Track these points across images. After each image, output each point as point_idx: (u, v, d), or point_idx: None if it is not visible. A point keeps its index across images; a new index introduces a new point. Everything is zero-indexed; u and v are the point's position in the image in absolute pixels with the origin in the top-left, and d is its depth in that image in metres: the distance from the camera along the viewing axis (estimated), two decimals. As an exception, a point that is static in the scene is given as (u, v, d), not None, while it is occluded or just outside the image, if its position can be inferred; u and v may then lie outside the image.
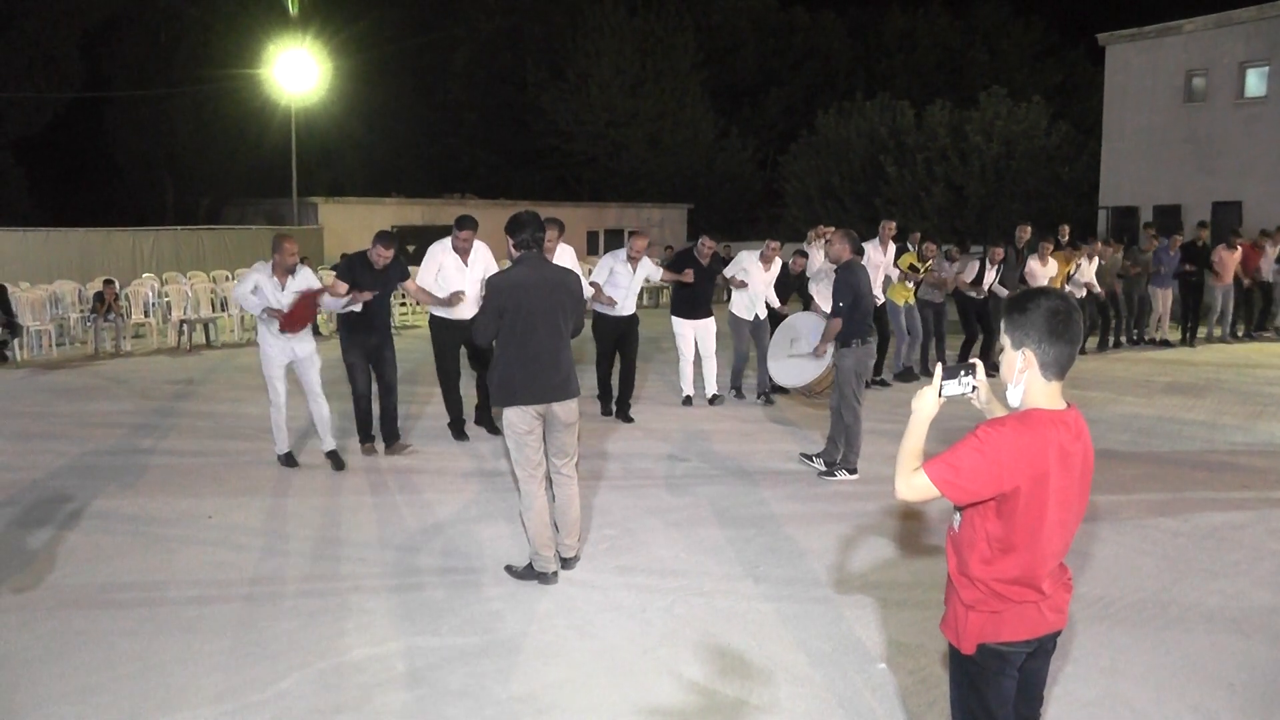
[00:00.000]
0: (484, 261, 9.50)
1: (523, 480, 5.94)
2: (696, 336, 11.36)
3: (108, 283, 17.42)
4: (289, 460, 8.74)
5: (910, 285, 12.59)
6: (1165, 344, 16.01)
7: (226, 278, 21.11)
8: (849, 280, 8.11)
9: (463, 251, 9.38)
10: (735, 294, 11.66)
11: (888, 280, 12.46)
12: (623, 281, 10.41)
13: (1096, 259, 14.72)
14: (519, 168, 44.62)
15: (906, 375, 12.82)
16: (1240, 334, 16.94)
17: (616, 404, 10.81)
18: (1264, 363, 14.48)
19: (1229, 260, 16.11)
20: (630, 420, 10.58)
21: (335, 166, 40.13)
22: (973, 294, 13.14)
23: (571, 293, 6.02)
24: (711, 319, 11.40)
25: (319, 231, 28.76)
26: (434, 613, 5.50)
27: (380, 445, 9.27)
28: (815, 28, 48.35)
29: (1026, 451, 2.78)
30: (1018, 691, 3.01)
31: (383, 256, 8.75)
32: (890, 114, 35.99)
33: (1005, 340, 2.94)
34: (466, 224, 9.35)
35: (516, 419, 5.83)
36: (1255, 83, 26.16)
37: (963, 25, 46.82)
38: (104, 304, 16.91)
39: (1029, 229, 13.79)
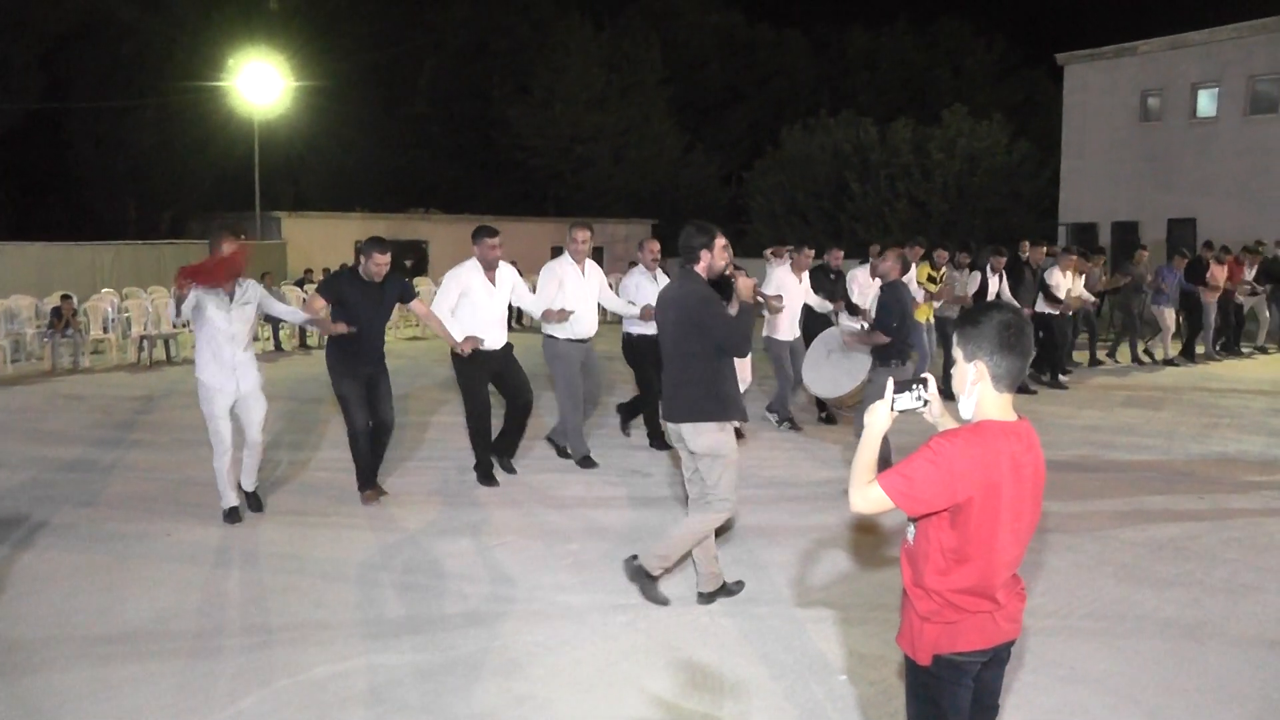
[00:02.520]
0: (510, 279, 8.47)
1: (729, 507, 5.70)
2: None
3: (65, 298, 17.21)
4: (233, 516, 7.42)
5: (934, 304, 12.27)
6: (1171, 363, 15.66)
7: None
8: (897, 299, 7.95)
9: (489, 266, 8.26)
10: (770, 316, 10.49)
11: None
12: (649, 297, 9.09)
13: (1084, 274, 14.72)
14: (484, 182, 44.62)
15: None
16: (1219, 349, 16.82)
17: (650, 432, 9.91)
18: (1220, 375, 14.65)
19: (1220, 275, 16.21)
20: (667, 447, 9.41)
21: (299, 180, 40.03)
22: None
23: (691, 310, 5.55)
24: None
25: (282, 246, 28.64)
26: (395, 630, 5.46)
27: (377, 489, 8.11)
28: (780, 45, 48.77)
29: (979, 462, 2.82)
30: (972, 701, 3.04)
31: (379, 265, 7.59)
32: (854, 131, 36.36)
33: (958, 352, 2.98)
34: (485, 233, 8.25)
35: (672, 433, 5.68)
36: (1206, 103, 26.73)
37: (925, 44, 47.37)
38: (62, 320, 16.71)
39: (1044, 249, 13.80)
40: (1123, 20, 33.90)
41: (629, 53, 43.28)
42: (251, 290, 7.40)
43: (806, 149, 36.96)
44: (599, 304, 9.08)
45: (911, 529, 3.03)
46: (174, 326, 7.64)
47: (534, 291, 8.89)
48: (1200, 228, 25.40)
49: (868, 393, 8.12)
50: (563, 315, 8.45)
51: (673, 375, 5.61)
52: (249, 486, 7.72)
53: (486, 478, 8.52)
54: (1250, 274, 17.02)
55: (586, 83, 41.84)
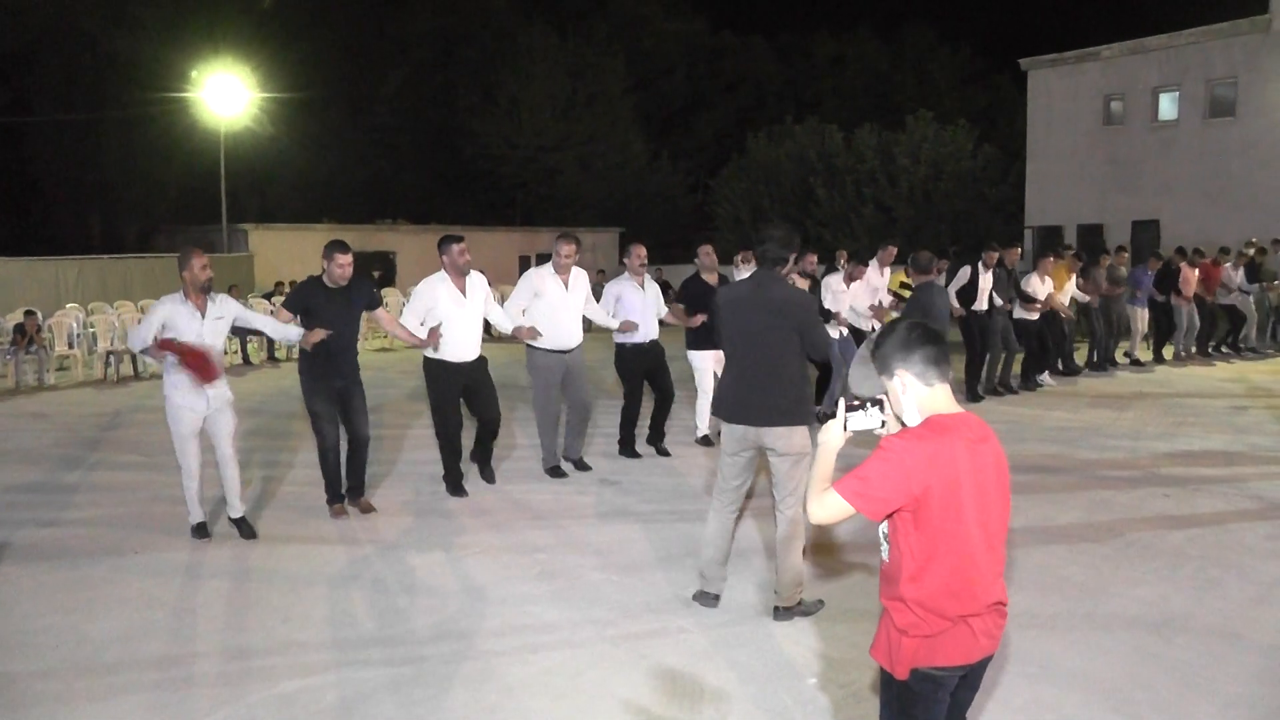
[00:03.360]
0: (482, 289, 8.23)
1: (716, 495, 5.78)
2: (717, 371, 9.84)
3: (29, 314, 17.01)
4: (201, 531, 7.26)
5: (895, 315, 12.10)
6: (1137, 363, 15.80)
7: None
8: (920, 301, 7.95)
9: (459, 272, 8.05)
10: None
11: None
12: (636, 304, 9.33)
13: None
14: (451, 192, 44.55)
15: None
16: (1194, 351, 16.84)
17: (652, 438, 9.86)
18: (1187, 375, 14.78)
19: (1191, 278, 16.31)
20: (667, 454, 9.80)
21: (266, 192, 39.79)
22: (961, 313, 12.56)
23: (783, 313, 5.52)
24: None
25: (249, 258, 28.47)
26: (364, 643, 5.42)
27: (347, 505, 7.94)
28: (745, 52, 48.98)
29: (931, 454, 2.84)
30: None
31: (343, 267, 7.40)
32: (819, 137, 36.58)
33: (884, 380, 3.03)
34: (450, 239, 8.06)
35: (728, 435, 5.60)
36: (1167, 106, 27.07)
37: (891, 50, 47.69)
38: (25, 336, 16.51)
39: (1018, 251, 13.74)
40: (1084, 26, 34.20)
41: (594, 61, 43.36)
42: (224, 305, 7.10)
43: (772, 156, 37.15)
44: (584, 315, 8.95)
45: (884, 547, 3.03)
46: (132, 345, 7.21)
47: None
48: (1163, 229, 25.69)
49: None
50: (532, 334, 8.31)
51: (758, 379, 5.46)
52: (236, 513, 7.37)
53: (456, 489, 8.38)
54: (1239, 275, 17.16)
55: (552, 91, 41.88)
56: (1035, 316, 13.49)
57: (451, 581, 6.36)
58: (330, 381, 7.51)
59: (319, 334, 7.24)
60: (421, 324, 7.96)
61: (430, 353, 8.02)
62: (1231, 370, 15.43)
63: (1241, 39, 25.29)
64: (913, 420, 2.98)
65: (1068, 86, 29.04)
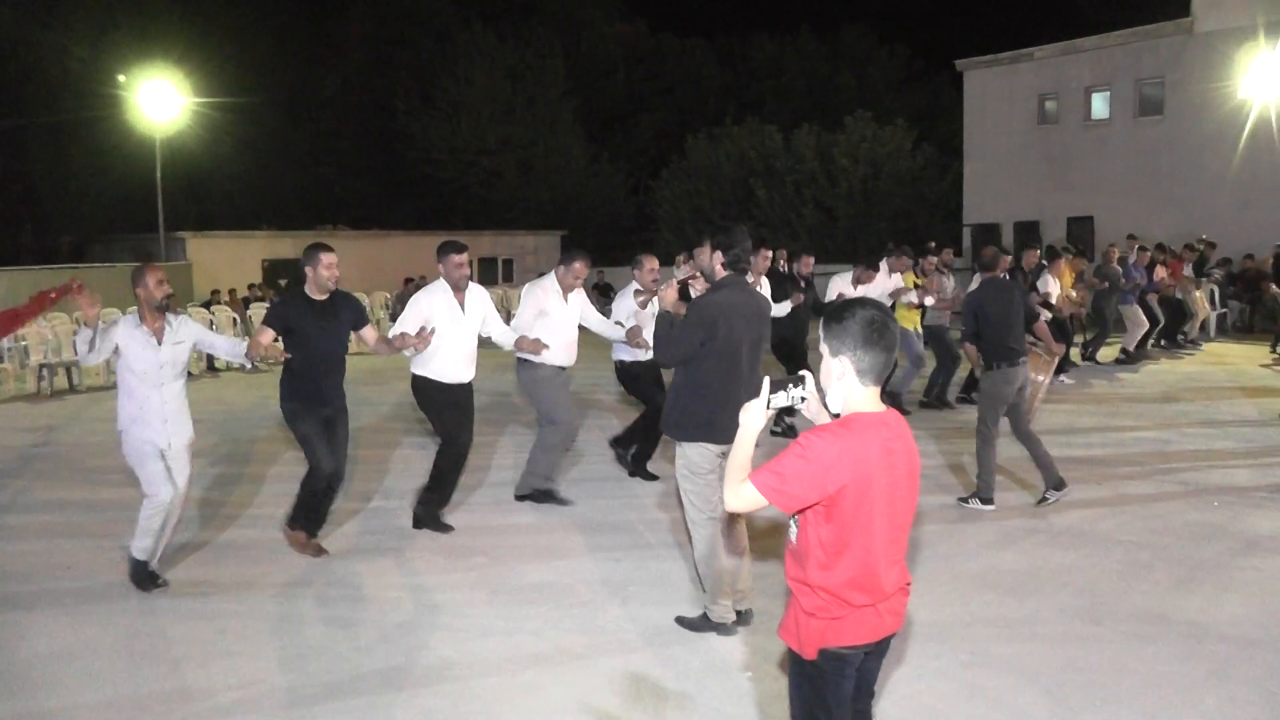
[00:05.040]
0: (483, 305, 7.52)
1: (699, 524, 5.33)
2: None
3: (-42, 325, 16.58)
4: (145, 577, 6.30)
5: (926, 298, 11.86)
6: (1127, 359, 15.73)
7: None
8: (971, 304, 7.85)
9: (458, 288, 7.32)
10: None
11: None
12: (649, 319, 7.81)
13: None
14: (392, 197, 44.20)
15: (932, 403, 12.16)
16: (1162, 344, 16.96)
17: (636, 459, 9.02)
18: (1124, 369, 15.03)
19: (1164, 275, 16.47)
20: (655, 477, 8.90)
21: (203, 199, 39.22)
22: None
23: (769, 324, 5.54)
24: None
25: (188, 267, 28.10)
26: (304, 652, 5.35)
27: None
28: (685, 54, 49.05)
29: (848, 453, 2.87)
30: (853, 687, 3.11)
31: (330, 268, 6.62)
32: (759, 138, 36.70)
33: (824, 349, 3.04)
34: (450, 248, 7.35)
35: (699, 457, 5.23)
36: (1100, 106, 27.57)
37: (829, 52, 47.94)
38: (-46, 347, 16.15)
39: (1036, 253, 13.57)
40: (1019, 28, 34.65)
41: (533, 63, 43.26)
42: (184, 328, 6.33)
43: (712, 157, 37.27)
44: (580, 327, 8.17)
45: (794, 529, 3.06)
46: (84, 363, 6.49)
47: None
48: (1098, 225, 26.13)
49: (980, 401, 8.01)
50: (536, 346, 7.43)
51: (750, 391, 5.35)
52: (153, 562, 6.41)
53: (437, 522, 7.54)
54: (1187, 269, 17.44)
55: (491, 94, 41.73)
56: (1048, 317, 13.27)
57: (392, 590, 6.35)
58: (321, 406, 6.69)
59: (276, 349, 6.48)
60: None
61: (420, 370, 7.31)
62: (1178, 365, 15.71)
63: (1167, 40, 25.81)
64: (834, 404, 3.04)
65: (1003, 87, 29.44)
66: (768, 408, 3.04)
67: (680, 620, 5.55)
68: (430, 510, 7.54)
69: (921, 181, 34.13)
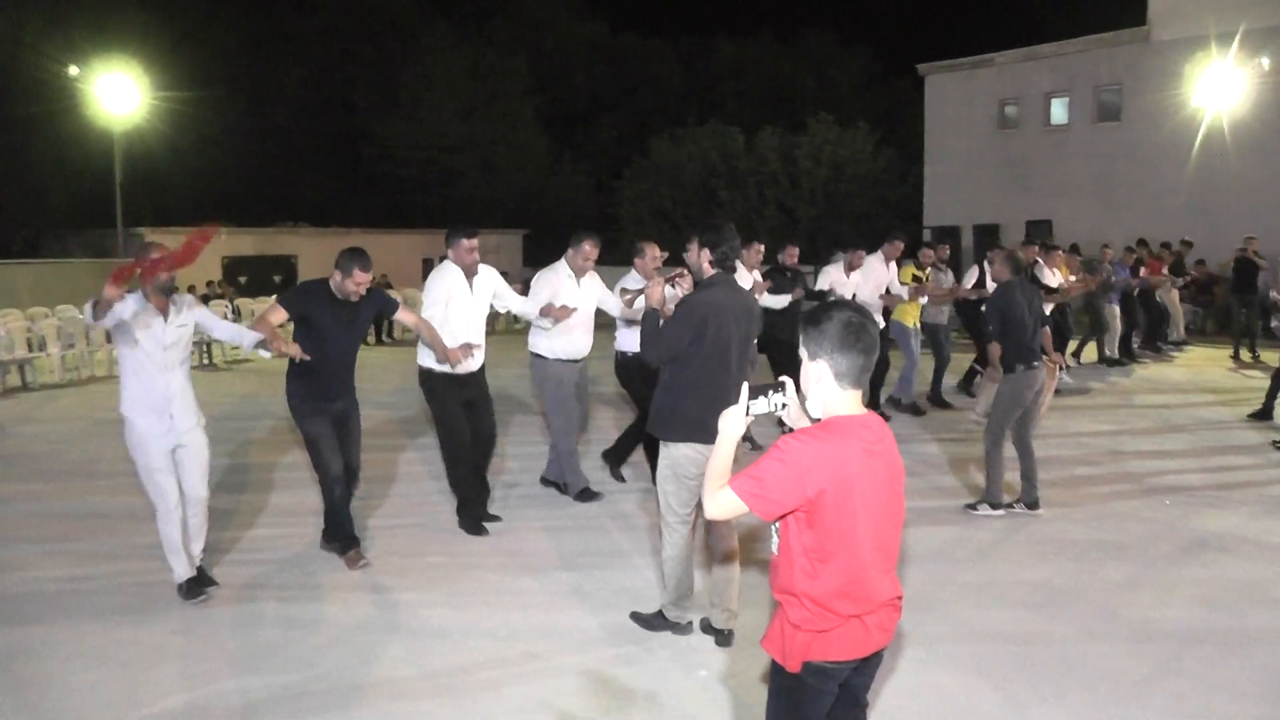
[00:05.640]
0: (491, 287, 7.37)
1: (672, 526, 5.26)
2: None
3: (-92, 319, 16.31)
4: (193, 590, 6.00)
5: (921, 299, 11.63)
6: (1117, 363, 15.74)
7: (45, 315, 19.15)
8: (998, 303, 7.74)
9: (469, 270, 7.19)
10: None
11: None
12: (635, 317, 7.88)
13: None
14: (353, 194, 43.99)
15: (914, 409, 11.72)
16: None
17: (616, 459, 8.80)
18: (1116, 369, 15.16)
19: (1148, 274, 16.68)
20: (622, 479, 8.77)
21: (162, 194, 38.73)
22: (973, 297, 12.15)
23: (757, 323, 5.48)
24: None
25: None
26: (258, 652, 5.27)
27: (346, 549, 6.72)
28: (647, 55, 49.15)
29: (827, 456, 2.83)
30: (842, 697, 3.07)
31: (360, 285, 6.34)
32: (721, 139, 36.78)
33: (803, 352, 3.00)
34: (461, 232, 7.14)
35: (686, 458, 5.13)
36: (1059, 111, 27.90)
37: (791, 54, 48.21)
38: (-96, 341, 15.85)
39: (1035, 248, 13.52)
40: (979, 33, 35.01)
41: (495, 62, 43.18)
42: (189, 310, 6.03)
43: (674, 158, 37.32)
44: (599, 309, 7.96)
45: (775, 538, 3.02)
46: (91, 326, 5.94)
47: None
48: (1057, 228, 26.34)
49: (995, 401, 7.91)
50: (564, 312, 7.26)
51: (738, 391, 5.26)
52: (193, 561, 6.13)
53: (475, 525, 7.33)
54: (1165, 269, 17.64)
55: (453, 92, 41.61)
56: (1050, 308, 13.02)
57: (347, 590, 6.29)
58: (328, 403, 6.49)
59: (294, 349, 6.13)
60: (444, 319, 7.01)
61: (428, 363, 7.11)
62: (1159, 366, 15.89)
63: (1124, 48, 26.13)
64: (814, 408, 3.00)
65: (964, 91, 29.68)
66: (747, 414, 3.01)
67: (635, 616, 5.52)
68: (467, 513, 7.39)
69: (883, 184, 34.34)
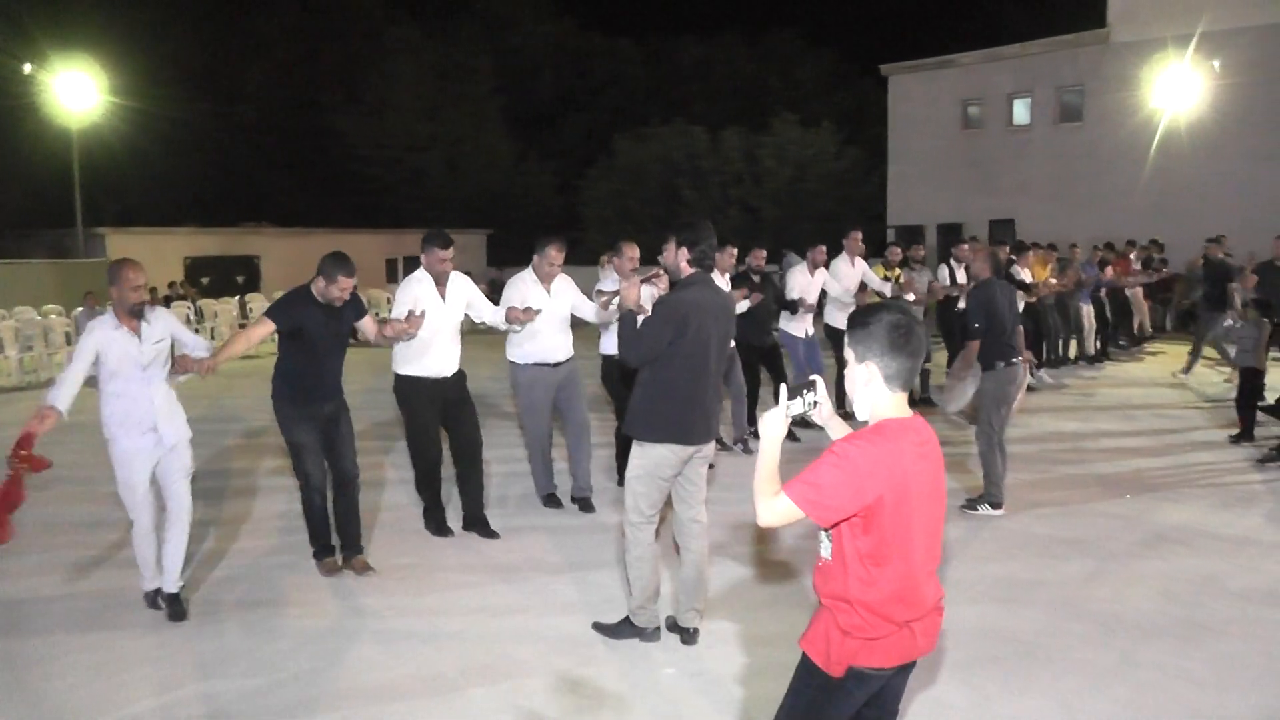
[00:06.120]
0: (465, 294, 7.23)
1: (638, 526, 5.16)
2: None
3: None
4: (166, 602, 5.89)
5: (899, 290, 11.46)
6: (1093, 361, 15.72)
7: (3, 317, 18.84)
8: (982, 299, 7.71)
9: (440, 279, 7.07)
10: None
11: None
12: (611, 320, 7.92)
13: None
14: (317, 194, 43.68)
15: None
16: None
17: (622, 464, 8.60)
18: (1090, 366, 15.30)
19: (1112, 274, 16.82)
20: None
21: (124, 194, 38.31)
22: (955, 294, 12.12)
23: (734, 323, 5.42)
24: None
25: (107, 265, 27.36)
26: (225, 657, 5.26)
27: (339, 557, 6.65)
28: (613, 54, 49.14)
29: (884, 461, 2.79)
30: (877, 699, 3.03)
31: (344, 290, 6.24)
32: (686, 139, 36.91)
33: (850, 354, 2.96)
34: (437, 241, 7.00)
35: (662, 459, 5.07)
36: (1021, 112, 28.20)
37: (756, 54, 48.31)
38: None
39: (1005, 249, 13.39)
40: (943, 34, 35.28)
41: (461, 61, 43.07)
42: (161, 322, 5.83)
43: (639, 157, 37.43)
44: (575, 318, 7.90)
45: (826, 545, 2.95)
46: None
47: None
48: (1019, 227, 26.59)
49: (981, 402, 7.81)
50: (528, 315, 7.13)
51: (713, 393, 5.20)
52: (171, 586, 5.87)
53: (439, 528, 7.35)
54: (1136, 265, 17.86)
55: (418, 92, 41.48)
56: (1022, 306, 12.82)
57: (310, 593, 6.31)
58: (318, 406, 6.34)
59: (206, 365, 5.88)
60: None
61: (402, 369, 7.04)
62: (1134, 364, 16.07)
63: (1085, 49, 26.42)
64: (862, 411, 2.96)
65: (927, 92, 29.91)
66: (786, 415, 2.97)
67: (598, 627, 5.43)
68: (433, 516, 7.40)
69: (847, 183, 34.59)
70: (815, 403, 3.02)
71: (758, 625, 5.51)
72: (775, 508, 2.82)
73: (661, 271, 5.37)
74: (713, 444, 5.26)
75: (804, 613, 5.54)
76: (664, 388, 5.02)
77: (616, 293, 4.94)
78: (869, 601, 2.84)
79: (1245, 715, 4.47)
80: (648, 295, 5.36)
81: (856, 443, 2.82)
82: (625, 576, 5.44)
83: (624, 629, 5.30)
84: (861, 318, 2.95)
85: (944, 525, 3.04)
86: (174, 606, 5.81)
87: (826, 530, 2.92)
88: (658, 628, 5.28)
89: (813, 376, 3.08)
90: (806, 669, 3.01)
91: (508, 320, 7.18)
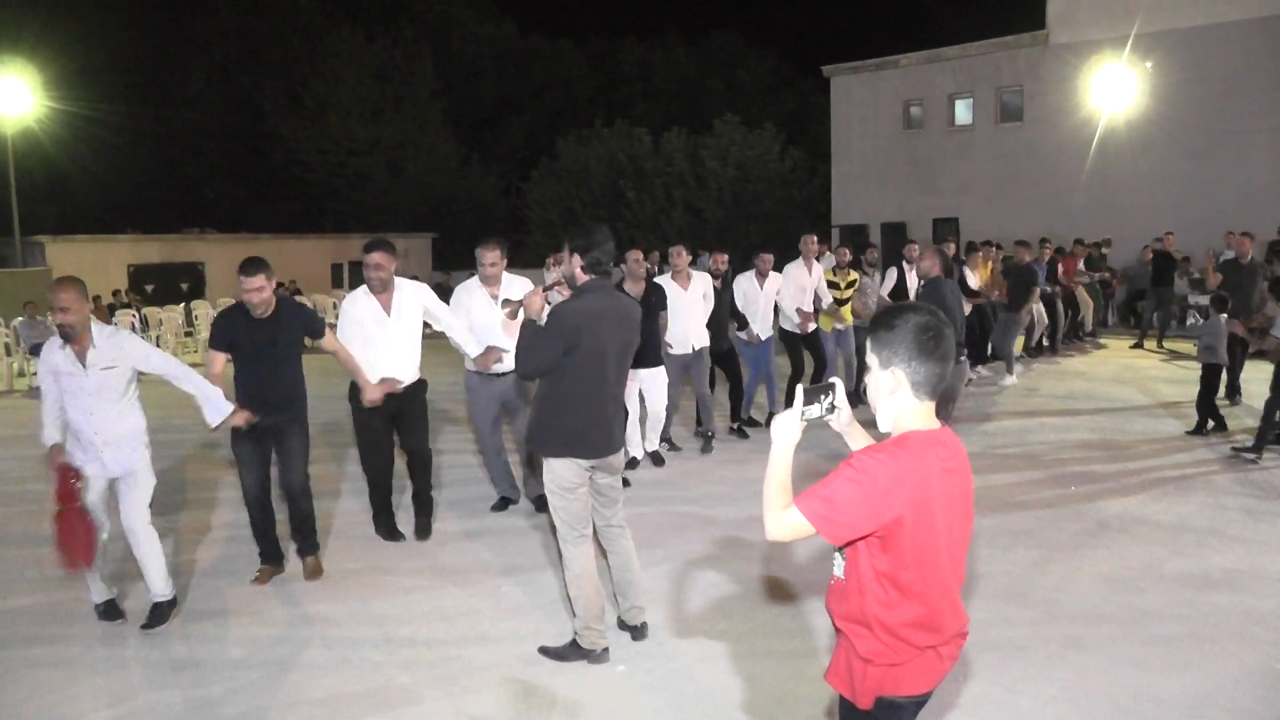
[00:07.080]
0: (417, 304, 7.06)
1: (570, 542, 5.01)
2: (642, 390, 9.11)
3: None
4: (110, 611, 5.84)
5: (837, 309, 11.36)
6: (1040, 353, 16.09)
7: None
8: (933, 298, 7.69)
9: (380, 289, 6.87)
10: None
11: (818, 305, 11.22)
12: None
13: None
14: (260, 199, 43.30)
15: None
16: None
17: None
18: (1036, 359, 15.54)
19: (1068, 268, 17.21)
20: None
21: (63, 201, 37.73)
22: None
23: (638, 330, 5.19)
24: (661, 368, 9.05)
25: (47, 273, 26.84)
26: (176, 666, 5.22)
27: (281, 565, 6.65)
28: (555, 56, 49.14)
29: (906, 477, 2.56)
30: None
31: (249, 290, 6.00)
32: (629, 140, 36.98)
33: (873, 359, 2.74)
34: (370, 249, 6.83)
35: (568, 472, 4.93)
36: (962, 112, 28.60)
37: (698, 56, 48.55)
38: None
39: (951, 245, 13.38)
40: (884, 36, 35.69)
41: (402, 64, 42.84)
42: (118, 346, 5.50)
43: (582, 159, 37.43)
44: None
45: (839, 563, 2.76)
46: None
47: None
48: (962, 226, 26.96)
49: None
50: (489, 357, 7.19)
51: (616, 404, 5.06)
52: (159, 595, 5.77)
53: (390, 533, 7.31)
54: (1080, 264, 18.26)
55: (360, 94, 41.18)
56: (968, 309, 12.57)
57: (262, 603, 6.29)
58: (263, 418, 6.14)
59: (242, 416, 5.97)
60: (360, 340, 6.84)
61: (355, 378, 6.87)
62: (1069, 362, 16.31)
63: (1024, 51, 26.86)
64: (885, 421, 2.74)
65: (869, 93, 30.22)
66: (801, 419, 2.72)
67: (545, 651, 5.20)
68: (382, 520, 7.37)
69: (790, 184, 34.77)
70: (834, 407, 2.79)
71: (706, 621, 5.55)
72: (786, 520, 2.58)
73: (563, 280, 5.21)
74: (619, 455, 5.12)
75: (748, 605, 5.64)
76: (560, 401, 4.88)
77: (521, 302, 4.89)
78: (888, 624, 2.65)
79: (1182, 695, 4.57)
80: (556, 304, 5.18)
81: (877, 456, 2.59)
82: (566, 596, 5.32)
83: (571, 652, 5.12)
84: (887, 319, 2.71)
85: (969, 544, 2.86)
86: (154, 615, 5.71)
87: (840, 548, 2.73)
88: (605, 648, 5.10)
89: (832, 379, 2.85)
90: (844, 707, 2.86)
91: (477, 363, 7.27)
